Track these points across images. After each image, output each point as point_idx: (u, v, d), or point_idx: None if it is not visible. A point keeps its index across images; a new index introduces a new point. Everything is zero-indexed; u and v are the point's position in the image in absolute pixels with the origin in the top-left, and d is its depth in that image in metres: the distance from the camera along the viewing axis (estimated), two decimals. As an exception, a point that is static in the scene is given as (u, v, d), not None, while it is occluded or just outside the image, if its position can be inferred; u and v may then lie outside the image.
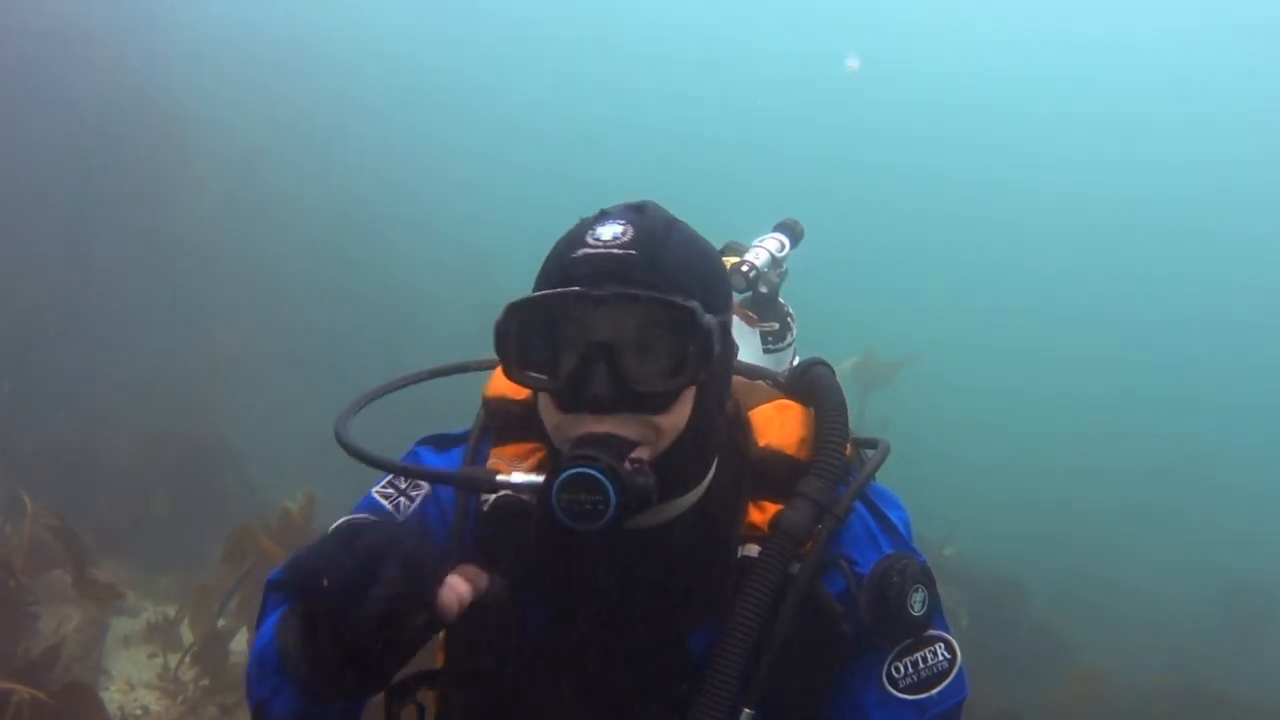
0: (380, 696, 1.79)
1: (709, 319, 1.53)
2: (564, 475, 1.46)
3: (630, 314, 1.53)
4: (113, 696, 6.55)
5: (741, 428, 1.79)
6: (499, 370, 1.80)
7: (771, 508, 1.70)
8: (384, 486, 1.86)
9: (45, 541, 6.97)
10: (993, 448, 19.04)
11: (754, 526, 1.70)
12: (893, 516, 1.79)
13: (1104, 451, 19.43)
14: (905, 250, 31.60)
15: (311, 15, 22.86)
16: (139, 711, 6.48)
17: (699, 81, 35.77)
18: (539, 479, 1.55)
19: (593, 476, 1.45)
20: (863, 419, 10.20)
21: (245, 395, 11.47)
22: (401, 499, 1.84)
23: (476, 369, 1.97)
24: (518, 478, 1.60)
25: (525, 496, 1.65)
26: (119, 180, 11.83)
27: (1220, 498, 18.99)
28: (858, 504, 1.75)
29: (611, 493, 1.45)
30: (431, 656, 1.93)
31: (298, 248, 14.04)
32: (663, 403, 1.54)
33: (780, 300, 2.48)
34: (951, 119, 35.36)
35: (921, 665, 1.70)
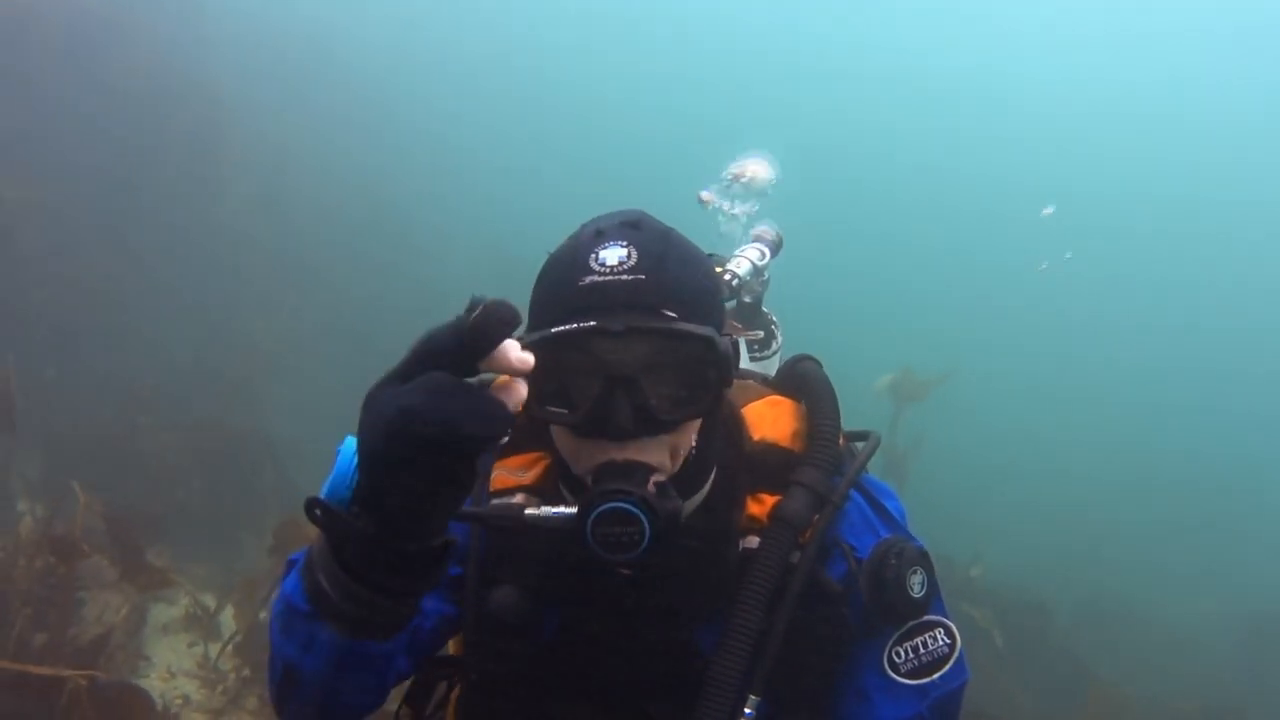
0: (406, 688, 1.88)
1: (724, 342, 1.57)
2: (598, 510, 1.49)
3: (650, 345, 1.55)
4: (153, 684, 6.60)
5: (735, 424, 1.82)
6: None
7: (769, 499, 1.74)
8: None
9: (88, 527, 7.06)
10: (1021, 466, 19.03)
11: (753, 518, 1.74)
12: (888, 505, 1.83)
13: (1133, 470, 19.35)
14: (940, 267, 31.51)
15: (345, 5, 22.96)
16: (180, 700, 6.53)
17: (733, 78, 35.78)
18: (570, 512, 1.55)
19: (626, 510, 1.48)
20: (895, 436, 10.25)
21: (282, 385, 11.50)
22: None
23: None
24: (547, 511, 1.59)
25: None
26: (159, 167, 11.87)
27: (1251, 520, 18.87)
28: (853, 492, 1.79)
29: (646, 524, 1.48)
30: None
31: (332, 239, 14.08)
32: (679, 425, 1.58)
33: (764, 309, 2.52)
34: (997, 125, 35.27)
35: (922, 650, 1.72)
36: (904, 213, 33.20)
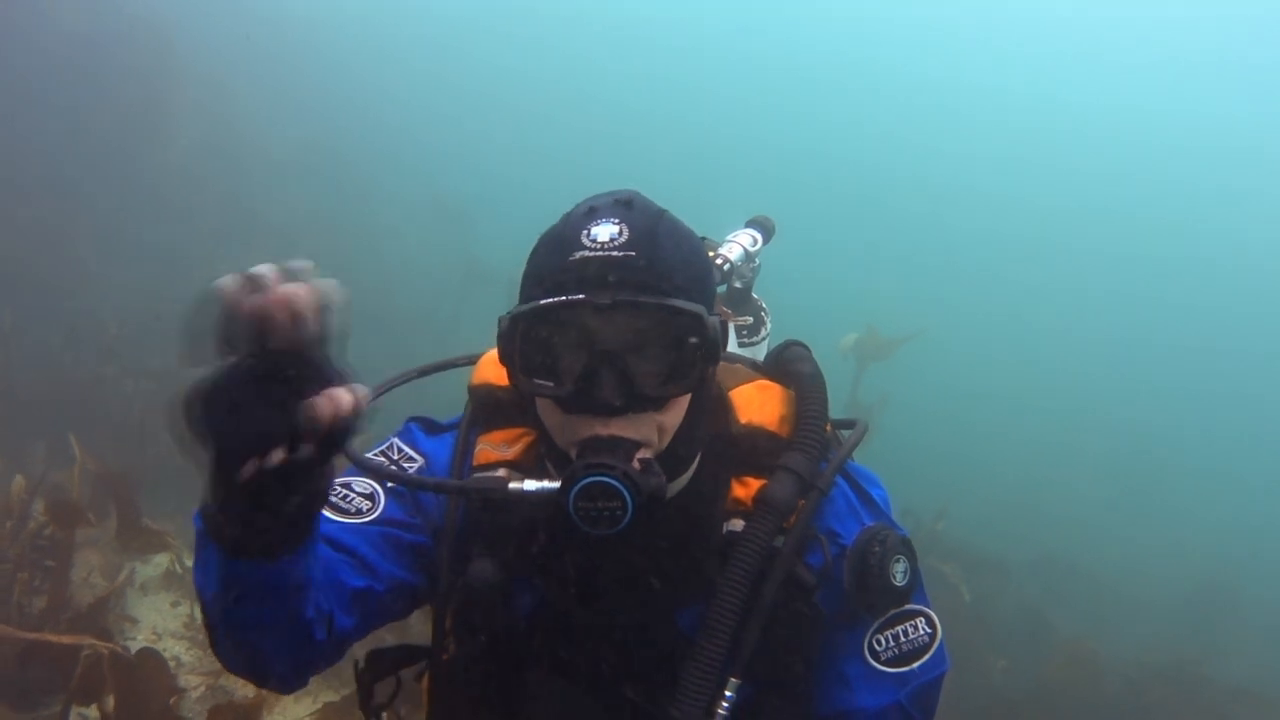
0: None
1: (713, 320, 1.58)
2: (581, 484, 1.51)
3: (637, 320, 1.56)
4: (141, 646, 6.47)
5: (723, 407, 1.82)
6: (483, 360, 1.88)
7: (754, 483, 1.74)
8: (377, 455, 1.87)
9: (61, 486, 6.84)
10: (978, 427, 19.43)
11: (738, 501, 1.74)
12: (873, 493, 1.86)
13: (1083, 436, 19.85)
14: (911, 232, 31.88)
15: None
16: (172, 662, 6.39)
17: (708, 75, 35.91)
18: (554, 486, 1.56)
19: (609, 484, 1.50)
20: (857, 394, 10.37)
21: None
22: (395, 469, 1.84)
23: (462, 364, 1.97)
24: (530, 485, 1.61)
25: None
26: (107, 109, 11.52)
27: (1195, 488, 19.53)
28: (839, 479, 1.80)
29: (628, 499, 1.50)
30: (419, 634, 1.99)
31: (282, 185, 13.79)
32: (666, 402, 1.59)
33: (754, 295, 2.52)
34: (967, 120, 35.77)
35: (903, 638, 1.75)
36: (874, 184, 33.50)
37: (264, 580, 1.46)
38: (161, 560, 7.31)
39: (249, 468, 1.23)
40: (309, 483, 1.33)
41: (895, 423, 10.80)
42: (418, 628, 3.53)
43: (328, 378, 1.24)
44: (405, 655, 1.90)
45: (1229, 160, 34.48)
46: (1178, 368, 28.23)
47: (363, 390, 1.27)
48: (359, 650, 1.86)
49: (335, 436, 1.24)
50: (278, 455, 1.22)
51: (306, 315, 1.19)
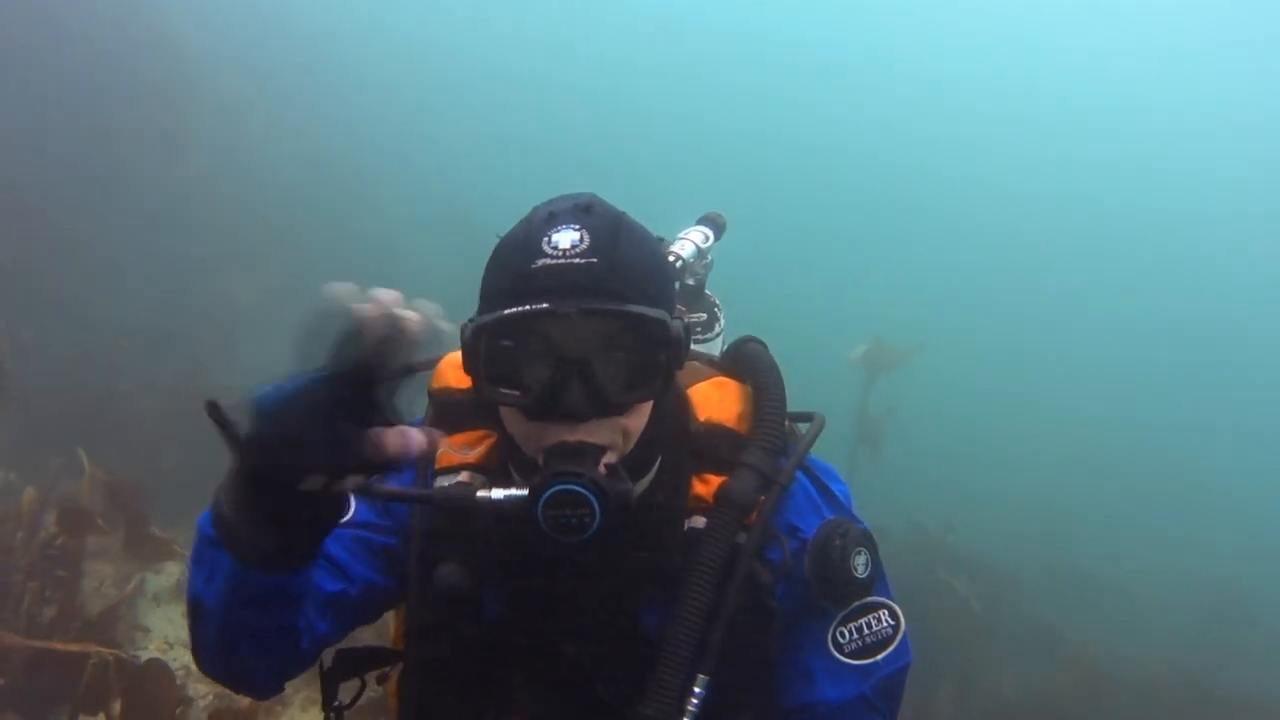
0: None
1: (676, 324, 1.60)
2: (549, 492, 1.52)
3: (602, 327, 1.56)
4: (151, 655, 6.51)
5: (682, 405, 1.83)
6: (442, 364, 1.88)
7: (715, 480, 1.75)
8: None
9: (71, 496, 6.90)
10: (988, 436, 19.34)
11: (699, 499, 1.75)
12: (833, 487, 1.86)
13: (1097, 444, 19.76)
14: (916, 243, 31.78)
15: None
16: (181, 671, 6.42)
17: (708, 67, 35.88)
18: (522, 494, 1.57)
19: (577, 492, 1.51)
20: (867, 405, 10.35)
21: (251, 346, 11.32)
22: None
23: (422, 369, 1.94)
24: (498, 494, 1.61)
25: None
26: (122, 122, 11.57)
27: (1209, 492, 19.41)
28: (799, 474, 1.81)
29: (596, 506, 1.51)
30: (384, 637, 1.99)
31: (298, 198, 13.86)
32: (630, 406, 1.60)
33: (707, 291, 2.53)
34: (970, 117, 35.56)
35: (866, 631, 1.76)
36: (882, 193, 33.40)
37: (272, 590, 1.52)
38: (174, 570, 7.36)
39: (314, 481, 1.28)
40: (336, 503, 1.40)
41: (904, 434, 10.81)
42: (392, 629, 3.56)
43: (391, 413, 1.31)
44: (371, 656, 1.90)
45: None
46: (1194, 375, 28.05)
47: (436, 434, 1.34)
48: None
49: (387, 468, 1.30)
50: (354, 480, 1.30)
51: (415, 343, 1.27)
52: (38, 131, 10.55)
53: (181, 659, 6.61)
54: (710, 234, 2.57)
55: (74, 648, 4.55)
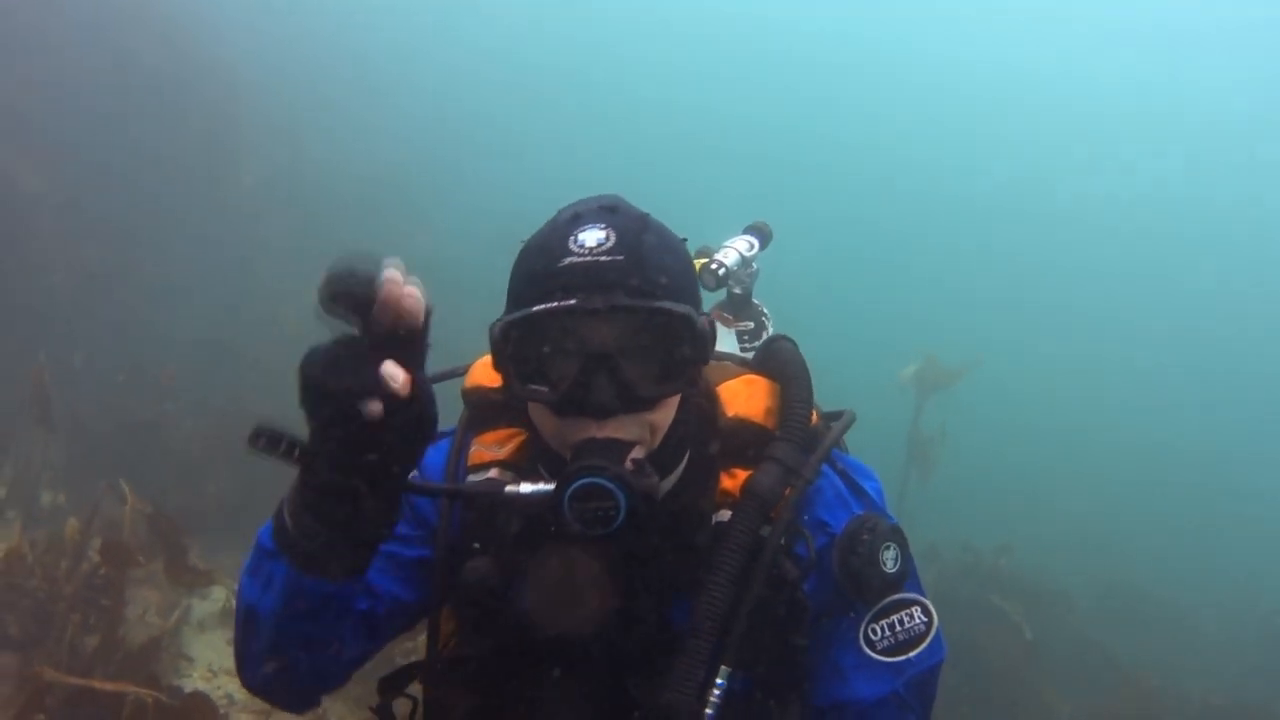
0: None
1: (701, 319, 1.61)
2: (575, 485, 1.53)
3: (629, 324, 1.58)
4: (195, 683, 6.55)
5: (710, 401, 1.84)
6: (474, 365, 1.93)
7: (741, 474, 1.76)
8: None
9: (115, 524, 6.97)
10: (1041, 458, 19.04)
11: (726, 493, 1.76)
12: (865, 485, 1.86)
13: (1153, 466, 19.43)
14: (970, 259, 31.62)
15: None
16: (224, 699, 6.47)
17: (745, 75, 35.71)
18: (549, 488, 1.57)
19: (602, 485, 1.52)
20: (919, 425, 10.22)
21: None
22: None
23: (453, 377, 1.99)
24: (526, 488, 1.61)
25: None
26: (174, 150, 11.75)
27: (1267, 521, 18.95)
28: (827, 469, 1.81)
29: (621, 500, 1.52)
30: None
31: (346, 222, 13.98)
32: (657, 402, 1.62)
33: (754, 300, 2.54)
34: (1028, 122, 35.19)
35: (899, 627, 1.76)
36: (932, 210, 33.18)
37: (327, 598, 1.58)
38: (219, 596, 7.41)
39: (375, 407, 1.30)
40: (389, 504, 1.44)
41: (956, 455, 10.65)
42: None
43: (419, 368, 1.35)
44: (411, 671, 1.93)
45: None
46: (1252, 395, 27.44)
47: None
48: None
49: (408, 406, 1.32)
50: (375, 407, 1.30)
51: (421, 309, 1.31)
52: (88, 158, 10.70)
53: (225, 687, 6.64)
54: (755, 243, 2.59)
55: (110, 687, 4.56)
